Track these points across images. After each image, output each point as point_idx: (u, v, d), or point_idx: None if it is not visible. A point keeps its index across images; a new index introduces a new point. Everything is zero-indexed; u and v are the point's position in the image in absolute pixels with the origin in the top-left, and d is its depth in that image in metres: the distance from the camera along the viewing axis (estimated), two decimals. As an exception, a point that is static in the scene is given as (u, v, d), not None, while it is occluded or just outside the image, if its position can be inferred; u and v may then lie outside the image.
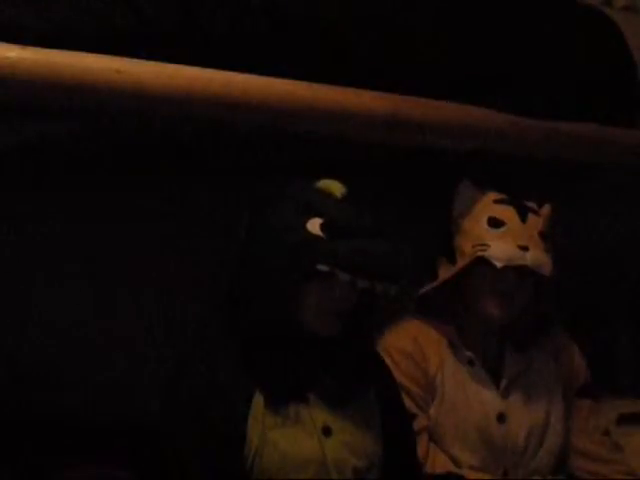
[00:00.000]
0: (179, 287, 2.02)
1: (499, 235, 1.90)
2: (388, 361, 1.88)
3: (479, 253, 1.89)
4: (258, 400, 1.61)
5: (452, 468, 1.90)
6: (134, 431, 1.87)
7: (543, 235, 1.94)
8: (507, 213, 1.93)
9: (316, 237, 1.60)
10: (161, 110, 1.60)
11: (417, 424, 1.89)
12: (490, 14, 1.99)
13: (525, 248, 1.88)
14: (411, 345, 1.95)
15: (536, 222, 1.94)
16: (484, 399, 1.95)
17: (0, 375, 1.86)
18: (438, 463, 1.90)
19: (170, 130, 1.78)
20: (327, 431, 1.65)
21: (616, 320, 2.59)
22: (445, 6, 1.92)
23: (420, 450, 1.87)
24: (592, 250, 2.45)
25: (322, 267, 1.58)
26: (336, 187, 1.69)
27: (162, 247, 2.01)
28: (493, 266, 1.87)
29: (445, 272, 1.96)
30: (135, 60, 1.55)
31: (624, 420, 2.24)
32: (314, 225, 1.61)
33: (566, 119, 2.01)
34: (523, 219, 1.92)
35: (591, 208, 2.38)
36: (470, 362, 1.96)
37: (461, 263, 1.92)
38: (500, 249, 1.88)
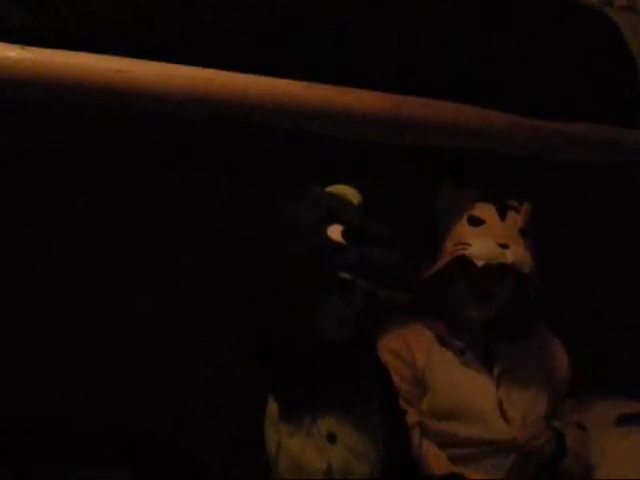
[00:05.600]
0: (192, 289, 2.02)
1: (479, 233, 1.92)
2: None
3: (459, 252, 1.90)
4: (272, 403, 1.61)
5: (445, 463, 1.91)
6: (135, 432, 1.87)
7: (523, 232, 1.95)
8: (486, 211, 1.95)
9: (338, 244, 1.58)
10: (161, 110, 1.60)
11: (408, 420, 1.89)
12: (490, 14, 1.99)
13: (505, 246, 1.90)
14: (399, 344, 1.97)
15: (516, 219, 1.95)
16: (481, 383, 1.96)
17: (1, 375, 1.85)
18: (433, 459, 1.90)
19: (170, 130, 1.78)
20: (332, 438, 1.65)
21: (616, 320, 2.59)
22: (446, 6, 1.92)
23: (413, 446, 1.87)
24: (592, 250, 2.45)
25: (344, 275, 1.57)
26: (352, 194, 1.69)
27: (169, 248, 2.01)
28: (474, 265, 1.87)
29: (427, 271, 1.97)
30: (135, 60, 1.55)
31: (624, 420, 2.23)
32: (335, 232, 1.59)
33: (566, 119, 2.01)
34: (502, 217, 1.94)
35: (592, 208, 2.38)
36: (460, 351, 1.97)
37: (441, 262, 1.93)
38: (480, 247, 1.89)
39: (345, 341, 1.67)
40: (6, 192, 1.89)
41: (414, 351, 1.96)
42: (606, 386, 2.35)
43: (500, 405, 1.95)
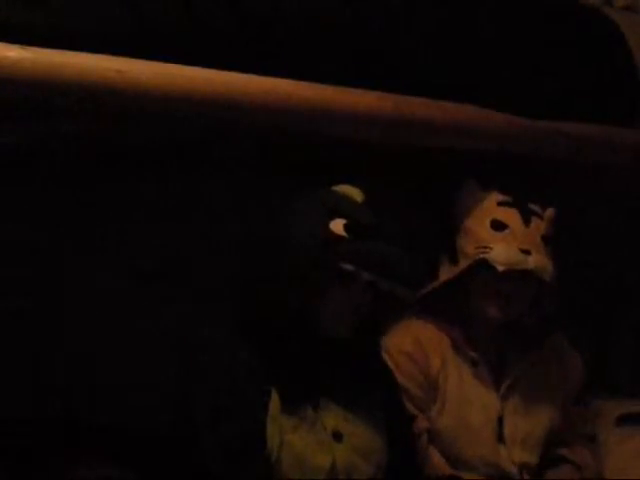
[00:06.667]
0: (195, 286, 2.02)
1: (502, 238, 1.90)
2: (389, 362, 1.88)
3: (481, 255, 1.88)
4: (275, 400, 1.61)
5: (449, 470, 1.90)
6: (136, 432, 1.87)
7: (546, 239, 1.93)
8: (510, 216, 1.93)
9: (340, 237, 1.61)
10: (161, 110, 1.60)
11: (417, 426, 1.89)
12: (490, 14, 1.99)
13: (527, 252, 1.88)
14: (412, 346, 1.95)
15: (539, 226, 1.94)
16: (485, 400, 1.94)
17: (1, 375, 1.85)
18: (437, 464, 1.90)
19: (170, 130, 1.78)
20: (338, 436, 1.65)
21: (616, 320, 2.59)
22: (446, 6, 1.92)
23: (419, 452, 1.87)
24: (592, 250, 2.45)
25: (346, 266, 1.59)
26: (356, 192, 1.72)
27: (167, 247, 2.01)
28: (495, 269, 1.86)
29: (446, 272, 1.96)
30: (135, 60, 1.55)
31: (624, 420, 2.23)
32: (338, 225, 1.62)
33: (566, 119, 2.01)
34: (526, 222, 1.92)
35: (591, 208, 2.38)
36: (473, 362, 1.96)
37: (463, 264, 1.92)
38: (502, 252, 1.87)
39: (349, 339, 1.68)
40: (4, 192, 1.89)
41: (428, 354, 1.94)
42: (606, 386, 2.34)
43: (500, 424, 1.94)
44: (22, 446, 1.80)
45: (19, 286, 1.93)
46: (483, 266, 1.89)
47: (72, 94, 1.51)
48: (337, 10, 1.78)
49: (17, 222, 1.91)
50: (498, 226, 1.92)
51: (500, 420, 1.94)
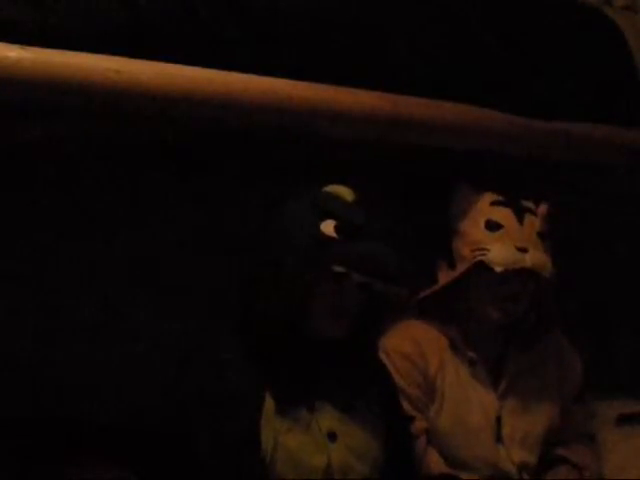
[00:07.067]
0: (188, 286, 2.02)
1: (497, 238, 1.90)
2: (387, 363, 1.88)
3: (478, 258, 1.88)
4: (269, 402, 1.62)
5: (447, 470, 1.90)
6: (135, 432, 1.87)
7: (542, 235, 1.93)
8: (504, 215, 1.92)
9: (330, 238, 1.62)
10: (161, 110, 1.60)
11: (415, 427, 1.89)
12: (490, 14, 2.00)
13: (524, 250, 1.88)
14: (411, 346, 1.94)
15: (533, 222, 1.93)
16: (483, 400, 1.94)
17: (1, 375, 1.86)
18: (433, 465, 1.89)
19: (170, 130, 1.78)
20: (332, 436, 1.65)
21: (616, 320, 2.59)
22: (446, 6, 1.93)
23: (418, 452, 1.87)
24: (592, 250, 2.45)
25: (337, 268, 1.60)
26: (346, 192, 1.71)
27: (166, 247, 2.01)
28: (493, 270, 1.86)
29: (445, 276, 1.96)
30: (135, 60, 1.55)
31: (624, 420, 2.23)
32: (328, 227, 1.63)
33: (566, 119, 2.01)
34: (520, 220, 1.92)
35: (591, 208, 2.38)
36: (472, 362, 1.96)
37: (461, 268, 1.92)
38: (499, 253, 1.87)
39: (344, 340, 1.68)
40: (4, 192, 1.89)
41: (427, 355, 1.94)
42: (606, 386, 2.34)
43: (498, 424, 1.93)
44: (22, 446, 1.80)
45: (19, 285, 1.93)
46: (481, 267, 1.88)
47: (72, 94, 1.51)
48: (337, 10, 1.78)
49: (17, 222, 1.91)
50: (492, 226, 1.91)
51: (498, 420, 1.94)
